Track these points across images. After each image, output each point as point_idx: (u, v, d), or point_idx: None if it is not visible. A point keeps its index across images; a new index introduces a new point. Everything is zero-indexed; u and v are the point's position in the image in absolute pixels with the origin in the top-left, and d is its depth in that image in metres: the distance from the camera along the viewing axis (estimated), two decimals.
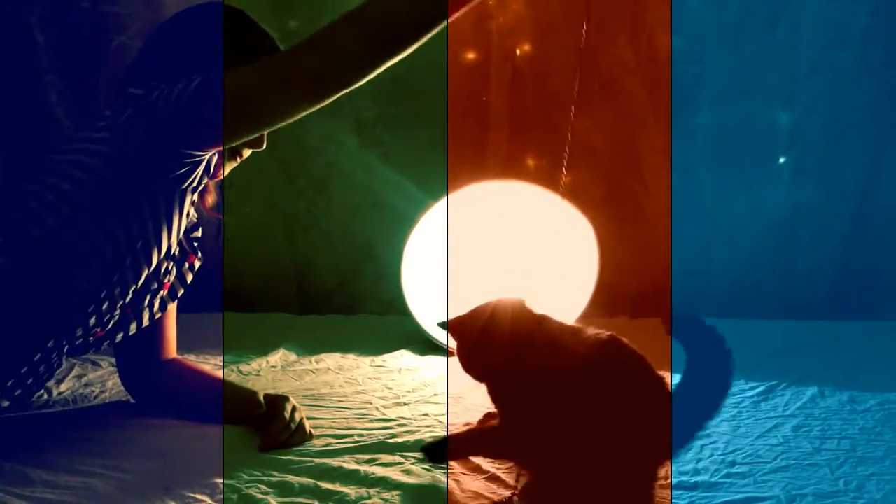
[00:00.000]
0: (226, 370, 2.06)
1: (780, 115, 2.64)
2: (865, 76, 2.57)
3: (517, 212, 2.28)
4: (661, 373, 1.29)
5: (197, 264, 1.64)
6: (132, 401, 1.74)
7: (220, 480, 1.36)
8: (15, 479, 1.36)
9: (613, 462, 1.24)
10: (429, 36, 1.33)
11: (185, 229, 1.58)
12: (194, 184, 1.43)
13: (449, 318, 1.43)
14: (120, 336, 1.54)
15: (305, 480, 1.38)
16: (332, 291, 2.81)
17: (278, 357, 2.19)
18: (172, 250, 1.54)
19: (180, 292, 1.63)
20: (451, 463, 1.45)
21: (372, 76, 1.40)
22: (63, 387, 1.83)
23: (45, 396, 1.77)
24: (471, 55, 2.66)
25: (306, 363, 2.16)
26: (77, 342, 1.49)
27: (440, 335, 1.74)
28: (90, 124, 1.43)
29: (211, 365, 2.11)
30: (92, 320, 1.44)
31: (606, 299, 2.39)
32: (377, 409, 1.79)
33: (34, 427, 1.60)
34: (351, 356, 2.24)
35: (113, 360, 1.92)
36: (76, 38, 2.55)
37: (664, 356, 1.31)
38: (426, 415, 1.74)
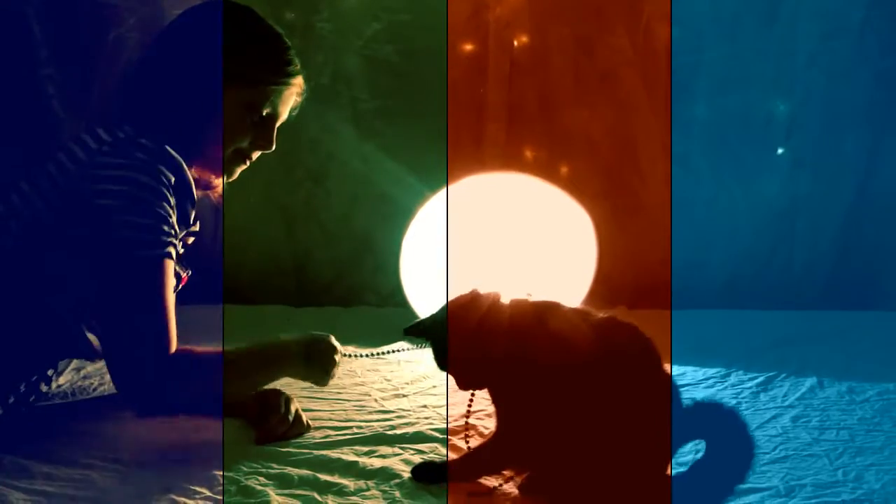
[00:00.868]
0: None
1: (777, 106, 2.64)
2: (863, 66, 2.57)
3: (515, 203, 2.28)
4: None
5: (185, 280, 1.61)
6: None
7: (220, 473, 1.36)
8: (14, 471, 1.36)
9: (624, 461, 1.24)
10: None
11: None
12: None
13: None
14: None
15: (305, 472, 1.38)
16: (331, 283, 2.81)
17: None
18: None
19: None
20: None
21: None
22: (62, 379, 1.82)
23: (44, 388, 1.77)
24: (468, 47, 2.65)
25: None
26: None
27: None
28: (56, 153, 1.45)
29: None
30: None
31: (605, 290, 2.39)
32: (376, 400, 1.80)
33: (33, 419, 1.60)
34: (350, 348, 2.23)
35: None
36: (73, 31, 2.53)
37: (663, 347, 1.30)
38: (425, 406, 1.74)
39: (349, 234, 2.78)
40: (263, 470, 1.39)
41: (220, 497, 1.28)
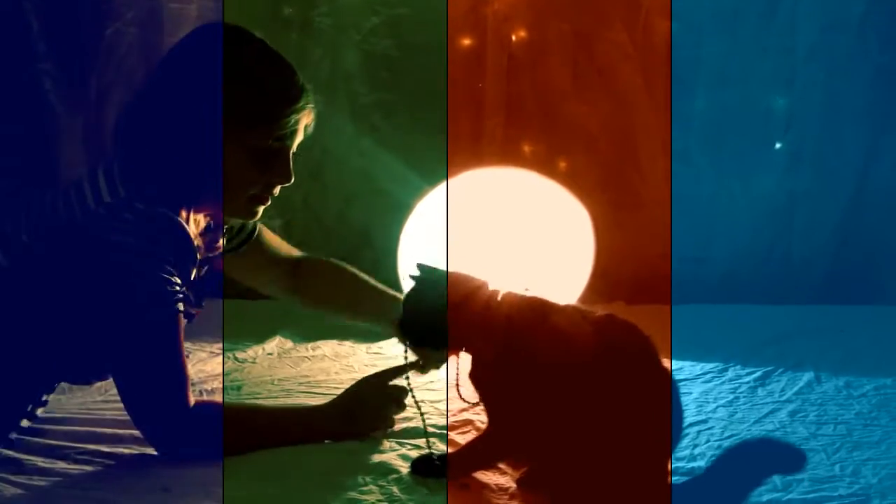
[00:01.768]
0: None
1: (776, 101, 2.63)
2: (863, 61, 2.57)
3: (513, 198, 2.28)
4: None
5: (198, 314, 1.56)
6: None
7: (219, 470, 1.36)
8: (9, 466, 1.36)
9: (624, 457, 1.24)
10: None
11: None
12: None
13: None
14: None
15: (301, 467, 1.38)
16: None
17: (275, 344, 2.19)
18: None
19: None
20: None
21: None
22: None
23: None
24: (466, 41, 2.65)
25: (303, 350, 2.16)
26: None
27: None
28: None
29: (207, 353, 2.11)
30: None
31: (603, 285, 2.39)
32: None
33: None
34: (347, 343, 2.23)
35: None
36: (71, 26, 2.53)
37: (662, 343, 1.30)
38: (422, 401, 1.73)
39: (347, 229, 2.78)
40: (260, 465, 1.39)
41: (219, 491, 1.28)
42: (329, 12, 2.63)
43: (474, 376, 1.37)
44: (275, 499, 1.27)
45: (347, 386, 1.73)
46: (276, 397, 1.78)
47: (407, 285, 1.44)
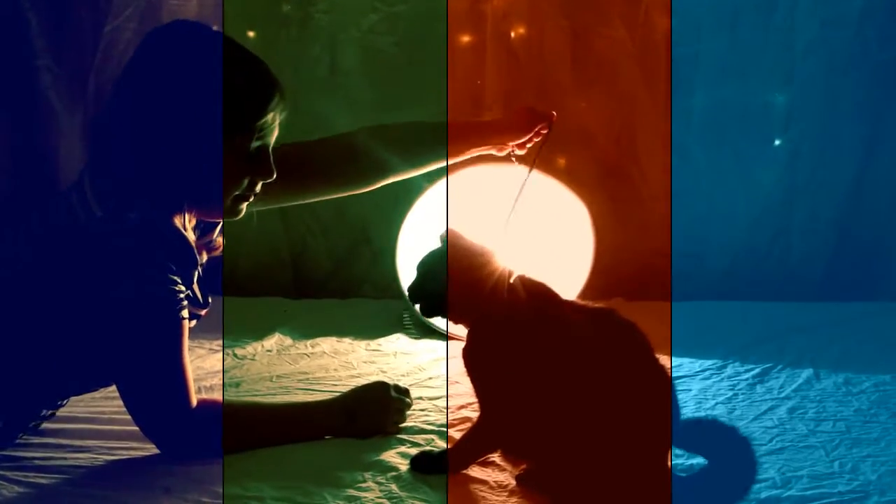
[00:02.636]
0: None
1: (776, 97, 2.63)
2: (862, 57, 2.56)
3: (513, 195, 2.27)
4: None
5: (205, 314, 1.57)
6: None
7: (219, 468, 1.36)
8: (8, 463, 1.36)
9: (623, 453, 1.24)
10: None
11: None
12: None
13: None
14: None
15: (300, 465, 1.38)
16: (328, 275, 2.80)
17: (273, 341, 2.19)
18: None
19: None
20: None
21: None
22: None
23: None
24: (466, 38, 2.64)
25: (302, 347, 2.16)
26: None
27: (437, 321, 1.72)
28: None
29: (207, 349, 2.11)
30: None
31: (602, 282, 2.39)
32: None
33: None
34: (346, 340, 2.24)
35: None
36: (70, 22, 2.53)
37: (661, 339, 1.30)
38: (421, 398, 1.73)
39: (346, 225, 2.77)
40: (259, 463, 1.39)
41: (219, 490, 1.28)
42: (328, 9, 2.62)
43: (467, 353, 1.37)
44: (274, 496, 1.27)
45: (346, 382, 1.73)
46: (275, 394, 1.79)
47: (405, 280, 1.44)
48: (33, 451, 1.41)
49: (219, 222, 1.58)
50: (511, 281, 1.37)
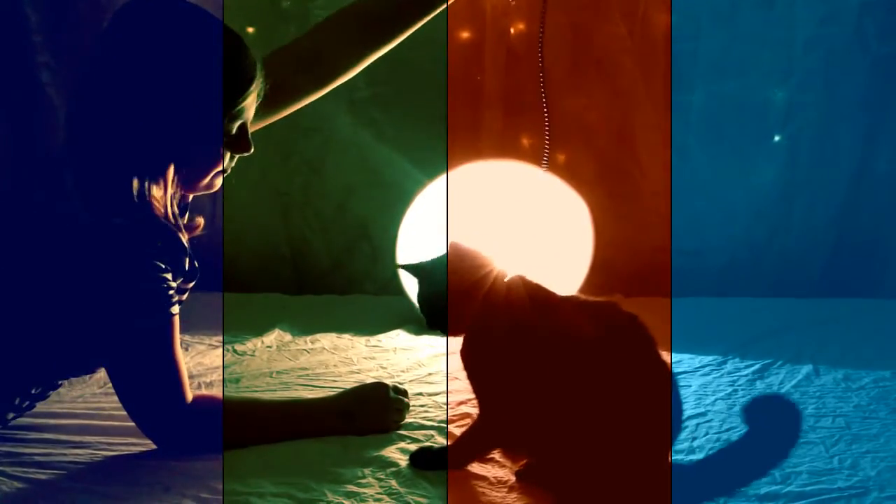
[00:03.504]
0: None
1: (775, 93, 2.63)
2: (860, 53, 2.56)
3: (512, 191, 2.28)
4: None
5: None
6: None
7: (219, 466, 1.36)
8: (7, 458, 1.36)
9: (623, 449, 1.24)
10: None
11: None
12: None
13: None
14: None
15: (300, 461, 1.38)
16: (328, 271, 2.81)
17: (273, 337, 2.19)
18: None
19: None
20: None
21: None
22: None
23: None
24: (465, 34, 2.64)
25: (301, 343, 2.16)
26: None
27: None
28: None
29: (206, 345, 2.11)
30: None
31: (601, 278, 2.39)
32: None
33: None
34: (346, 336, 2.24)
35: None
36: (69, 19, 2.52)
37: (661, 336, 1.30)
38: (420, 394, 1.73)
39: (346, 222, 2.78)
40: (259, 459, 1.39)
41: (219, 486, 1.28)
42: (327, 5, 2.61)
43: (465, 353, 1.37)
44: (274, 492, 1.27)
45: (346, 378, 1.73)
46: (275, 390, 1.79)
47: (405, 276, 1.44)
48: (33, 447, 1.41)
49: (188, 203, 1.57)
50: (508, 280, 1.36)
